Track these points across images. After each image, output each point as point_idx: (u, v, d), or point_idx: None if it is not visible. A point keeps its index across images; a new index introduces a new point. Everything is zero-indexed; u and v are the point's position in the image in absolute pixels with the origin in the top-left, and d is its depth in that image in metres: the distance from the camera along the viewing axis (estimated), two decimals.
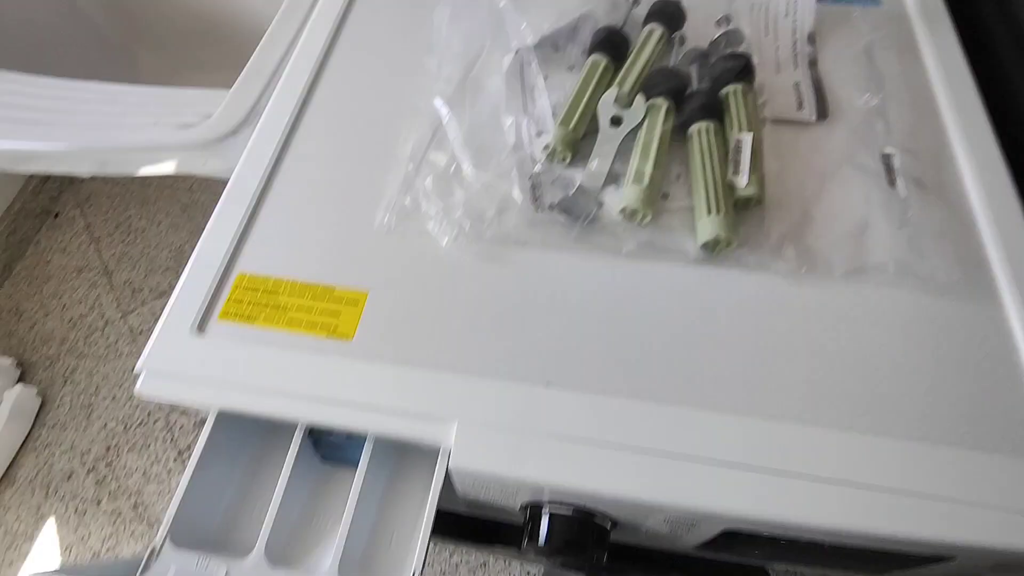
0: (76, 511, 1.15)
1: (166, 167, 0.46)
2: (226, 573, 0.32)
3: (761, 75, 0.40)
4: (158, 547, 0.33)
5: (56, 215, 1.46)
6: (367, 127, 0.42)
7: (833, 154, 0.38)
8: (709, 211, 0.34)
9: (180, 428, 1.22)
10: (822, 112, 0.39)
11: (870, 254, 0.34)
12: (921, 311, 0.33)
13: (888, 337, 0.32)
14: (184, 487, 0.34)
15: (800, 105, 0.39)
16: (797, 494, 0.28)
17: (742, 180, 0.34)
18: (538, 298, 0.34)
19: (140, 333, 1.26)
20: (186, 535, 0.34)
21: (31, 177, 1.43)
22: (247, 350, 0.34)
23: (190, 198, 1.52)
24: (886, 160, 0.36)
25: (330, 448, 0.38)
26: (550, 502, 0.32)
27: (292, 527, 0.36)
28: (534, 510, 0.32)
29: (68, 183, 1.51)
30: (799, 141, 0.39)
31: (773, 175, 0.37)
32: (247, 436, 0.38)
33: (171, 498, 0.34)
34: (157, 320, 0.35)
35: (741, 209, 0.36)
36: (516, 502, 0.33)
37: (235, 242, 0.37)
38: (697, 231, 0.34)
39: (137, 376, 0.34)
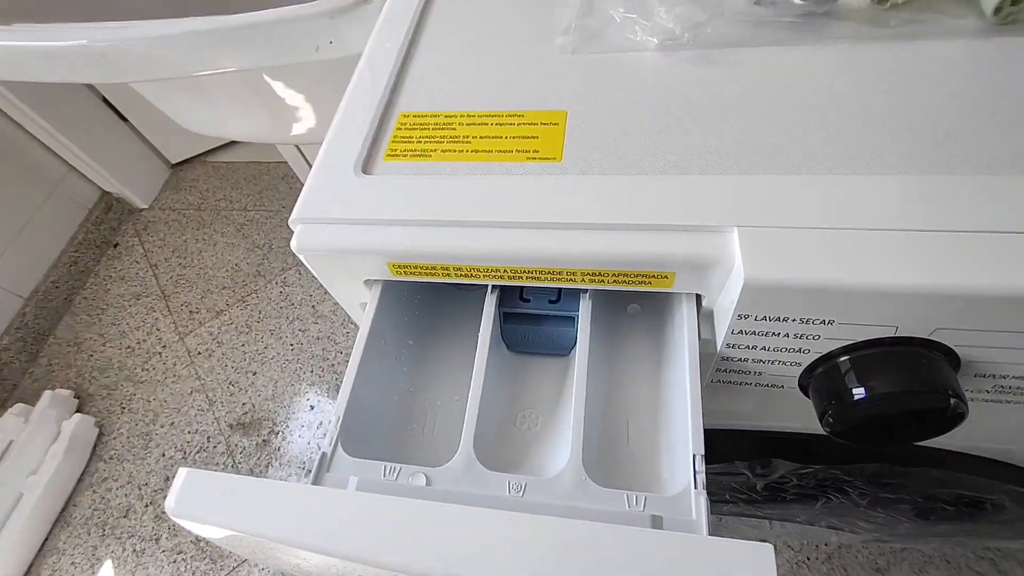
0: (134, 551, 1.07)
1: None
2: (427, 481, 0.24)
3: None
4: (329, 453, 0.24)
5: (116, 245, 1.46)
6: None
7: None
8: None
9: (241, 451, 1.14)
10: None
11: None
12: None
13: None
14: (350, 385, 0.26)
15: None
16: None
17: None
18: (767, 95, 0.27)
19: (198, 354, 1.20)
20: (357, 442, 0.26)
21: (92, 208, 1.43)
22: (428, 182, 0.27)
23: (245, 217, 1.50)
24: None
25: (521, 328, 0.30)
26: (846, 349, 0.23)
27: (493, 425, 0.27)
28: (825, 364, 0.24)
29: (128, 213, 1.52)
30: None
31: None
32: (412, 319, 0.31)
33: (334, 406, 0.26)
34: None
35: None
36: (805, 358, 0.24)
37: (392, 80, 0.31)
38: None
39: (292, 230, 0.27)
